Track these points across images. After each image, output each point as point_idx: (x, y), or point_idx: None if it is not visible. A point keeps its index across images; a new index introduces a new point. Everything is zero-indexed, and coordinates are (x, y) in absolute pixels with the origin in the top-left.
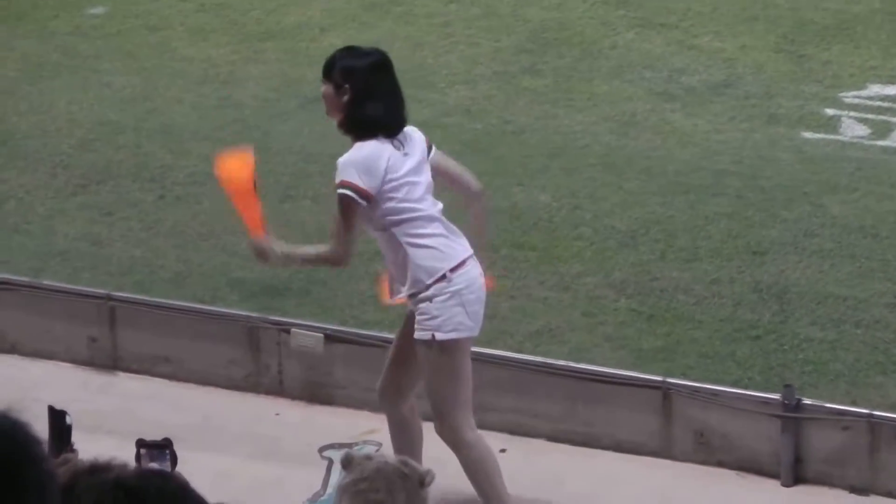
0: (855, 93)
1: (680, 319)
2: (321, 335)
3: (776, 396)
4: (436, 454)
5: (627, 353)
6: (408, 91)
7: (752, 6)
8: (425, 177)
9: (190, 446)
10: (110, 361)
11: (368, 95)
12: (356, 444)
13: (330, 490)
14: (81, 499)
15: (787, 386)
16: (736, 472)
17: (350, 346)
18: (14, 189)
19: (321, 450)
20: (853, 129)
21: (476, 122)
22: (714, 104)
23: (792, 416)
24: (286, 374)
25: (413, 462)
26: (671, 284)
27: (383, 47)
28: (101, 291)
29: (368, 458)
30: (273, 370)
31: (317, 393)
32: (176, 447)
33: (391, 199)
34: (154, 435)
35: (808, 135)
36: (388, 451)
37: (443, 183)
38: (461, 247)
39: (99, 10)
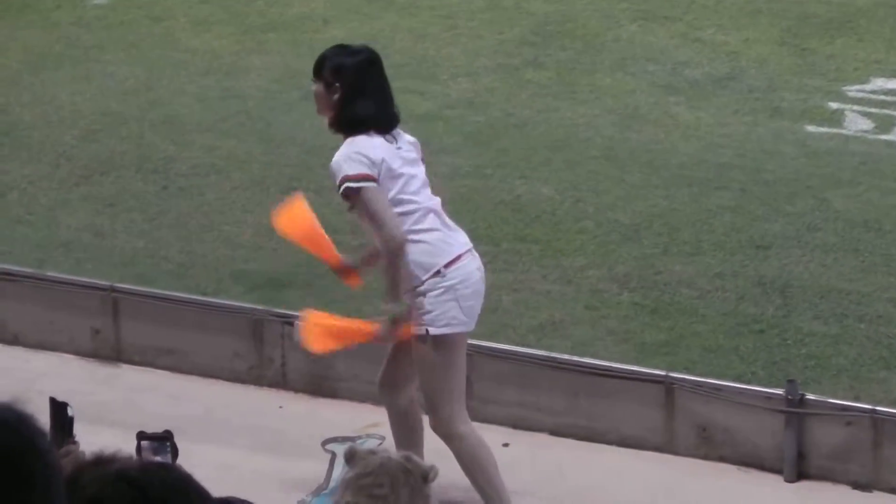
0: (858, 87)
1: (683, 313)
2: None
3: (779, 391)
4: (438, 447)
5: (630, 347)
6: (410, 83)
7: None
8: (421, 171)
9: (193, 438)
10: (113, 353)
11: (359, 93)
12: (359, 437)
13: (333, 483)
14: (85, 490)
15: (790, 381)
16: (738, 467)
17: None
18: (17, 180)
19: (324, 443)
20: (857, 123)
21: (479, 114)
22: (717, 97)
23: (795, 411)
24: (289, 367)
25: (416, 458)
26: (674, 278)
27: (386, 39)
28: (105, 283)
29: (372, 452)
30: (276, 363)
31: (320, 386)
32: (178, 439)
33: (388, 189)
34: (157, 427)
35: (811, 128)
36: (391, 444)
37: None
38: (457, 242)
39: (102, 0)
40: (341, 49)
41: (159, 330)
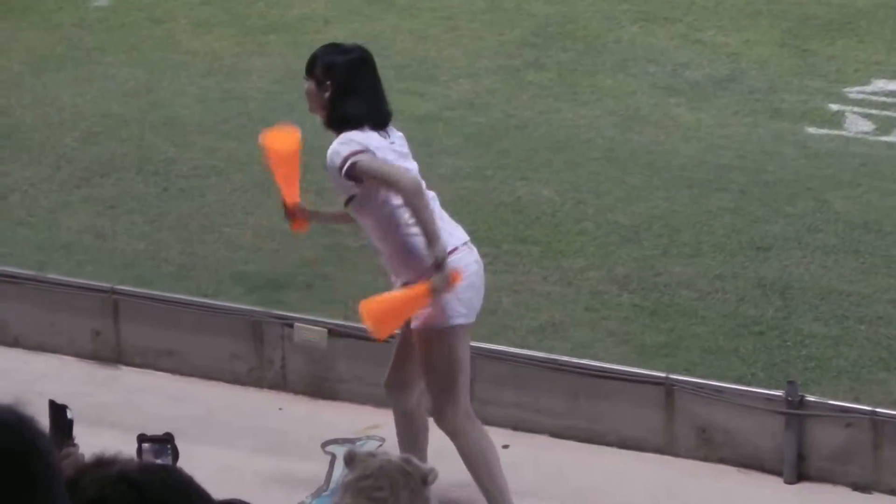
0: (859, 88)
1: (683, 315)
2: (325, 330)
3: (779, 393)
4: (438, 447)
5: (630, 349)
6: (411, 84)
7: (756, 1)
8: (415, 166)
9: (193, 440)
10: (114, 355)
11: (349, 91)
12: (359, 439)
13: (333, 485)
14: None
15: (790, 382)
16: (738, 468)
17: (353, 341)
18: (18, 182)
19: (324, 445)
20: (857, 125)
21: (479, 115)
22: (718, 99)
23: (795, 412)
24: (289, 369)
25: (416, 460)
26: (674, 280)
27: (386, 41)
28: (105, 285)
29: (372, 455)
30: (276, 365)
31: (320, 388)
32: (179, 441)
33: None
34: (157, 429)
35: (811, 130)
36: (391, 446)
37: None
38: (453, 235)
39: (103, 2)
40: (333, 48)
41: (159, 332)
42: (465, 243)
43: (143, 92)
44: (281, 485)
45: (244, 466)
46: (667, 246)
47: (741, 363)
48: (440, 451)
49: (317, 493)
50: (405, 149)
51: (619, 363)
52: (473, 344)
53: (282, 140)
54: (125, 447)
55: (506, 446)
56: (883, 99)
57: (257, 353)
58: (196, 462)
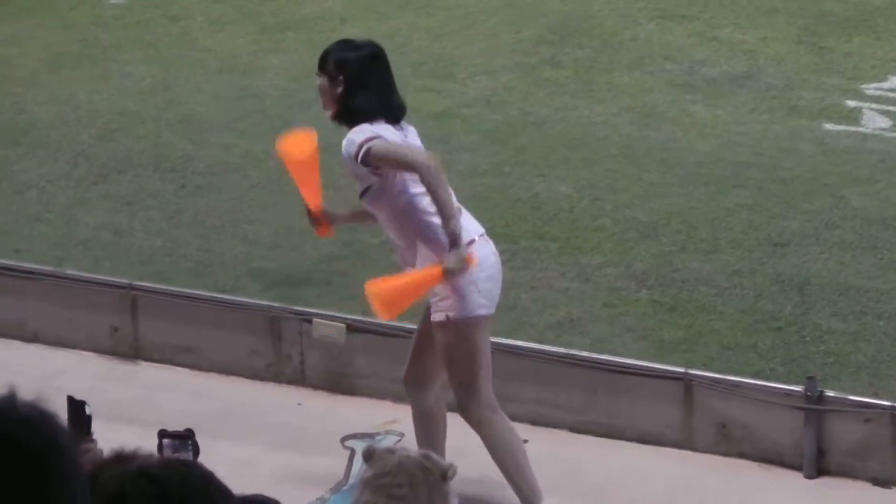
0: (876, 84)
1: (701, 310)
2: (343, 325)
3: (798, 388)
4: (457, 443)
5: (649, 345)
6: (427, 82)
7: None
8: None
9: (211, 436)
10: (132, 351)
11: (361, 86)
12: (378, 434)
13: (352, 480)
14: (105, 486)
15: (809, 378)
16: (758, 463)
17: (372, 336)
18: (35, 179)
19: (343, 440)
20: (874, 121)
21: (496, 113)
22: (735, 96)
23: (814, 408)
24: (308, 364)
25: (435, 456)
26: (692, 275)
27: (403, 38)
28: (123, 281)
29: (390, 451)
30: (295, 360)
31: (338, 383)
32: (197, 437)
33: (403, 173)
34: (176, 425)
35: (829, 126)
36: (410, 440)
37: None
38: (469, 227)
39: (119, 0)
40: (345, 44)
41: (178, 328)
42: (481, 235)
43: (159, 89)
44: (300, 480)
45: (263, 462)
46: (684, 242)
47: (759, 358)
48: (459, 448)
49: (336, 488)
50: (418, 141)
51: (637, 358)
52: (492, 340)
53: (298, 145)
54: (143, 443)
55: (525, 441)
56: None
57: (276, 349)
58: (215, 457)
